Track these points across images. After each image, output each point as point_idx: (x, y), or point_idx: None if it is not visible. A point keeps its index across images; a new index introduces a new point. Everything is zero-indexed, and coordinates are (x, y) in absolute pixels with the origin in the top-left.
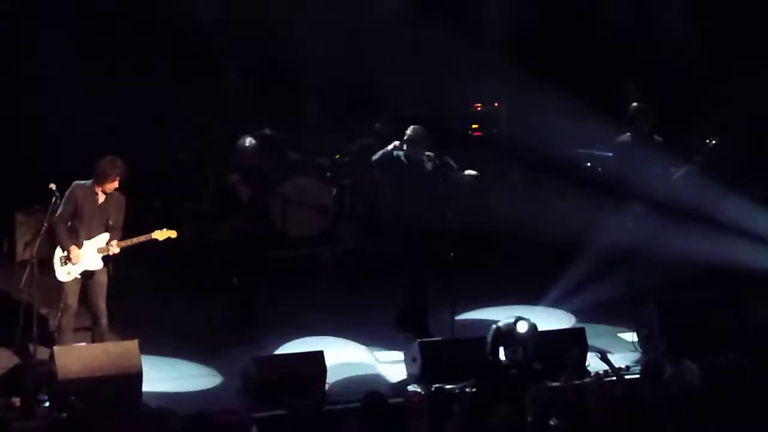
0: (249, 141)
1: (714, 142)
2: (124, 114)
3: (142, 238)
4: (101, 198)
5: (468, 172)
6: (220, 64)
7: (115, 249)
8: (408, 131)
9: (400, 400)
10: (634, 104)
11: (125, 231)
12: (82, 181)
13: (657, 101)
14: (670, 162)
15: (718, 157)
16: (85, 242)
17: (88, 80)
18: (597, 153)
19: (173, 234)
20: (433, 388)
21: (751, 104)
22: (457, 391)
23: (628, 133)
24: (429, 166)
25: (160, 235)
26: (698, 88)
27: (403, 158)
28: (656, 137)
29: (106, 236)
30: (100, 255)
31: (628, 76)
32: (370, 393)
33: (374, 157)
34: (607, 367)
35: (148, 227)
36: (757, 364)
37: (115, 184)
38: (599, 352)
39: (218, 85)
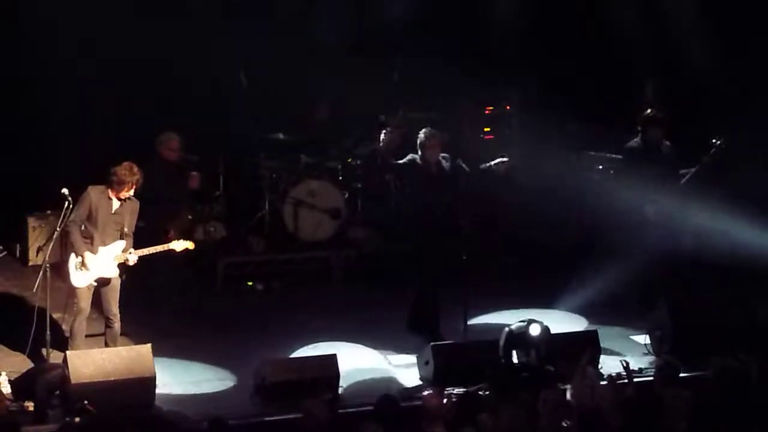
0: (175, 136)
1: (720, 141)
2: (135, 117)
3: (159, 248)
4: (116, 204)
5: (498, 160)
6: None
7: (133, 258)
8: (421, 135)
9: (413, 403)
10: (648, 111)
11: (135, 235)
12: (97, 186)
13: (670, 105)
14: (679, 166)
15: (726, 157)
16: (100, 248)
17: (100, 84)
18: (608, 155)
19: (191, 245)
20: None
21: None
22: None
23: (638, 139)
24: (444, 168)
25: (178, 245)
26: (708, 90)
27: (419, 161)
28: (666, 143)
29: (122, 244)
30: (116, 262)
31: (646, 80)
32: (383, 396)
33: (395, 162)
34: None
35: (158, 231)
36: (766, 365)
37: (131, 192)
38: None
39: (231, 87)
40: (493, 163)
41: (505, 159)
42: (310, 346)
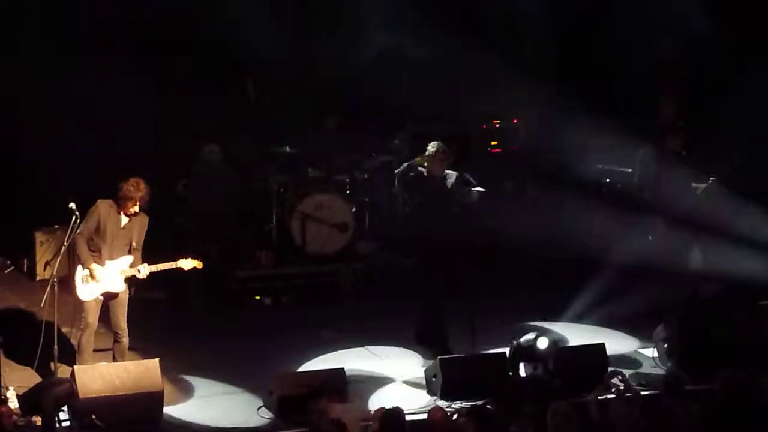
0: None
1: (735, 155)
2: (143, 130)
3: (168, 266)
4: (125, 219)
5: (476, 189)
6: (239, 80)
7: (144, 271)
8: (429, 148)
9: (422, 416)
10: (668, 121)
11: (145, 250)
12: (106, 200)
13: (685, 116)
14: (693, 177)
15: (740, 170)
16: (108, 262)
17: (107, 98)
18: (617, 169)
19: (199, 264)
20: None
21: None
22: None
23: (653, 148)
24: (450, 182)
25: (186, 264)
26: (722, 100)
27: (425, 174)
28: (683, 153)
29: (129, 258)
30: (123, 277)
31: (659, 91)
32: (387, 410)
33: (397, 171)
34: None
35: (169, 245)
36: None
37: (136, 208)
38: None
39: (237, 100)
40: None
41: (480, 190)
42: (319, 360)
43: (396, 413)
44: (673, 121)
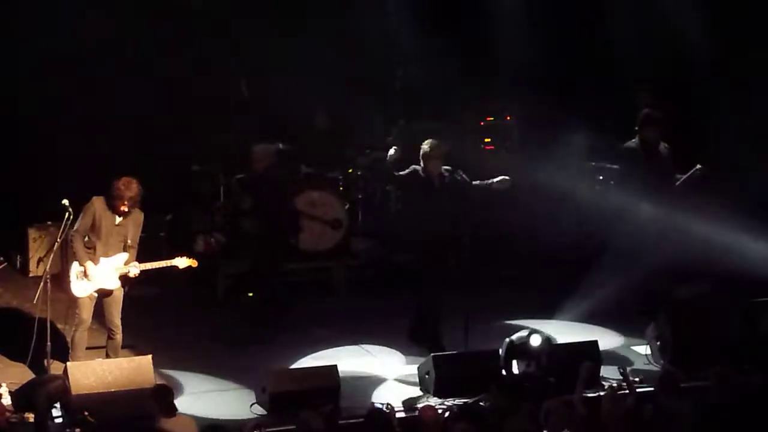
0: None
1: (700, 170)
2: (137, 127)
3: (162, 264)
4: (119, 217)
5: (500, 178)
6: (235, 77)
7: (135, 270)
8: (424, 146)
9: (414, 414)
10: (644, 111)
11: (140, 247)
12: (101, 196)
13: (667, 109)
14: (675, 169)
15: (701, 183)
16: (102, 259)
17: (102, 94)
18: (610, 166)
19: (194, 263)
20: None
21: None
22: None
23: (634, 140)
24: (446, 180)
25: (181, 263)
26: (705, 97)
27: (421, 172)
28: (663, 144)
29: (124, 256)
30: (118, 274)
31: (642, 86)
32: (371, 409)
33: (397, 174)
34: (621, 379)
35: (161, 242)
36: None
37: (126, 207)
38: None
39: (231, 97)
40: (495, 180)
41: (506, 178)
42: (311, 357)
43: (380, 413)
44: (649, 109)
